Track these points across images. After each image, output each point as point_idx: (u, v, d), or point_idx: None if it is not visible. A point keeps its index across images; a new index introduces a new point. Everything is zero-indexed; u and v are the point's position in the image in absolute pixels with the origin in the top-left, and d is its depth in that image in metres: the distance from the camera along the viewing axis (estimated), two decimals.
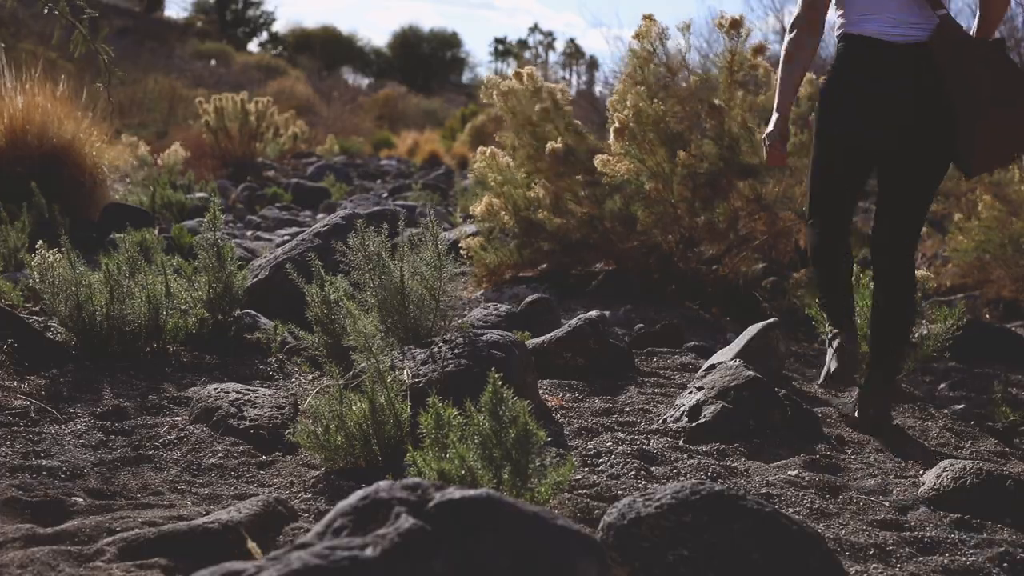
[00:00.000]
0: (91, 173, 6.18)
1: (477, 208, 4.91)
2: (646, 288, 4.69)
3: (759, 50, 4.58)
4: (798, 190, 4.72)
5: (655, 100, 4.55)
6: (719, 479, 2.22)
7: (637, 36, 4.66)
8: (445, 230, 5.70)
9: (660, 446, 2.44)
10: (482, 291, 4.85)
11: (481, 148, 5.03)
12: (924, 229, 4.96)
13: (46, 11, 3.35)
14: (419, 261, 2.85)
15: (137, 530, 1.71)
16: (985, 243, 5.61)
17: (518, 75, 4.93)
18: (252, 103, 13.63)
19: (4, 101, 5.92)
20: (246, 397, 2.63)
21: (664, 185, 4.58)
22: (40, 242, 3.11)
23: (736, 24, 4.49)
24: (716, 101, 4.49)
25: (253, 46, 41.44)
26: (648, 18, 4.63)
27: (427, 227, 2.84)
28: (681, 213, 4.67)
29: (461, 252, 4.88)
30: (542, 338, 3.22)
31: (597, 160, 4.46)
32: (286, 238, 6.38)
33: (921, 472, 2.37)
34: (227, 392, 2.64)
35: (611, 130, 4.52)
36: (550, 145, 4.70)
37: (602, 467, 2.26)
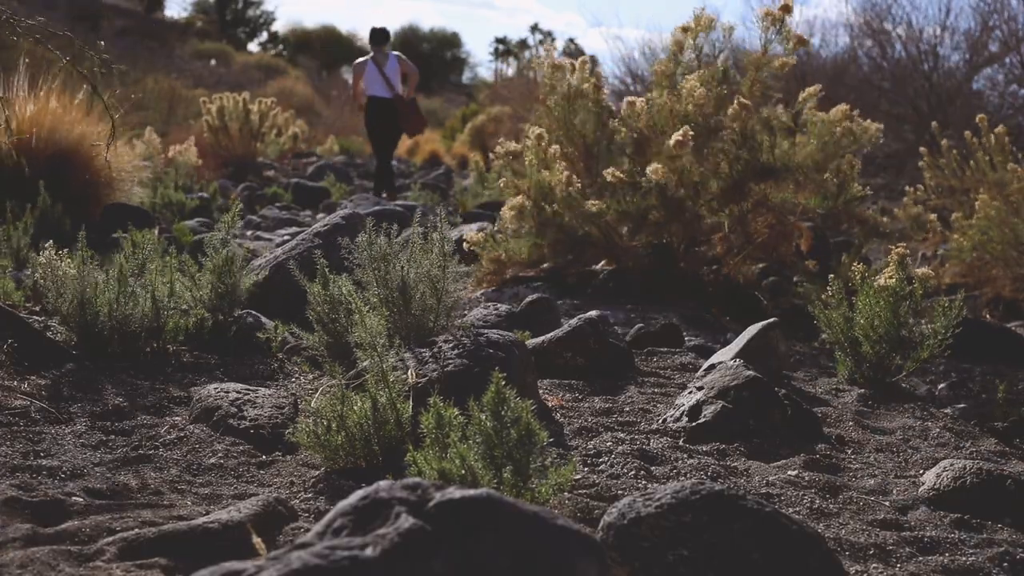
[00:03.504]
0: (98, 174, 6.20)
1: (506, 210, 4.77)
2: (646, 288, 4.69)
3: (801, 42, 4.55)
4: (801, 196, 4.72)
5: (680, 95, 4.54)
6: (719, 479, 2.22)
7: (685, 29, 4.66)
8: None
9: (660, 446, 2.44)
10: (482, 291, 4.84)
11: (536, 131, 4.84)
12: (924, 224, 5.12)
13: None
14: (423, 260, 2.85)
15: (137, 530, 1.71)
16: (984, 242, 5.62)
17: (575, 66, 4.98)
18: (255, 103, 13.65)
19: (15, 106, 5.94)
20: (246, 397, 2.62)
21: (686, 190, 4.57)
22: (49, 241, 3.12)
23: (786, 8, 4.45)
24: (743, 100, 4.46)
25: (253, 46, 41.44)
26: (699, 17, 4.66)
27: (436, 226, 2.84)
28: (690, 215, 4.66)
29: (464, 248, 4.86)
30: (542, 338, 3.22)
31: (650, 169, 4.37)
32: (286, 238, 6.38)
33: (921, 472, 2.37)
34: (227, 392, 2.64)
35: (674, 140, 4.44)
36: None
37: (602, 467, 2.26)
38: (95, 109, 6.44)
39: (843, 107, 4.66)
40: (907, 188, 7.03)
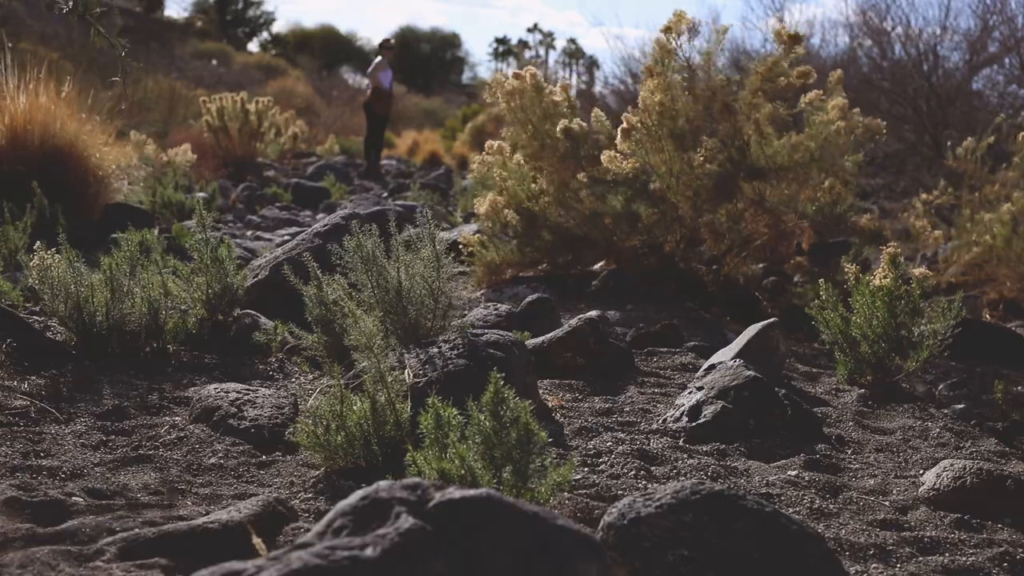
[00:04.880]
0: (94, 173, 6.18)
1: (481, 207, 4.87)
2: (646, 288, 4.69)
3: (805, 74, 4.54)
4: (803, 194, 4.72)
5: (673, 96, 4.52)
6: (719, 479, 2.22)
7: (666, 30, 4.61)
8: (445, 230, 5.69)
9: (660, 446, 2.44)
10: (482, 291, 4.84)
11: (489, 143, 4.95)
12: (926, 222, 5.11)
13: (62, 11, 3.37)
14: (417, 261, 2.84)
15: (137, 530, 1.71)
16: (990, 243, 5.62)
17: (518, 75, 4.91)
18: (252, 103, 13.66)
19: (6, 101, 5.92)
20: (246, 397, 2.62)
21: (669, 185, 4.56)
22: (38, 243, 3.11)
23: (796, 39, 4.46)
24: (730, 101, 4.46)
25: (253, 46, 41.46)
26: (679, 14, 4.59)
27: (425, 226, 2.84)
28: (684, 213, 4.66)
29: (460, 250, 4.86)
30: (542, 338, 3.22)
31: (604, 156, 4.43)
32: (286, 238, 6.38)
33: (921, 472, 2.37)
34: (227, 392, 2.64)
35: (619, 130, 4.49)
36: (563, 123, 4.66)
37: (602, 467, 2.26)
38: (87, 105, 6.42)
39: (839, 101, 4.64)
40: (919, 196, 7.01)
